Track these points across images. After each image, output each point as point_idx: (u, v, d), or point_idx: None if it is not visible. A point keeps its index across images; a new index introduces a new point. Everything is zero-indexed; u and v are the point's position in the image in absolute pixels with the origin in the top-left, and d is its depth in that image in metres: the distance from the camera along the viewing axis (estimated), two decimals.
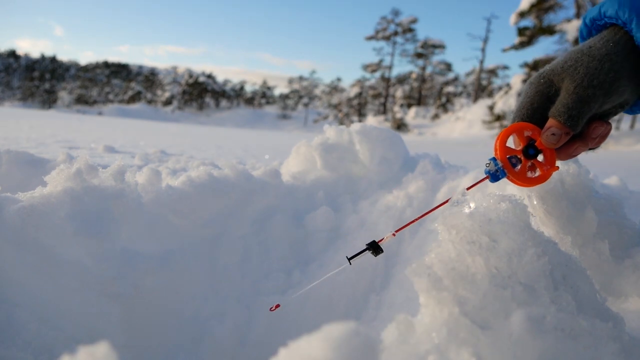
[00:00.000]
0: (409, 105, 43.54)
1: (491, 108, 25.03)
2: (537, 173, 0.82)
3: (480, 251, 0.59)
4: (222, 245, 1.52)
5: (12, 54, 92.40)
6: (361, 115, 48.41)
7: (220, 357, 1.30)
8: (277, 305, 0.85)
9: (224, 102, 75.68)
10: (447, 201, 0.76)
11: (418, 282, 0.55)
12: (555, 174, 0.87)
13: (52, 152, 3.99)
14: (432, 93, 48.19)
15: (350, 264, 0.81)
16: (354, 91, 49.58)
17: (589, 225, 0.82)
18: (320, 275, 1.58)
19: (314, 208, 1.85)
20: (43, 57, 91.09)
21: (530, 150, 0.80)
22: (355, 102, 49.29)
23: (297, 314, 1.45)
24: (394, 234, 0.80)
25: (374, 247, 0.78)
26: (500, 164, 0.79)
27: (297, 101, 72.79)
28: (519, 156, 0.81)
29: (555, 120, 0.76)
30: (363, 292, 1.56)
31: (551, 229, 0.84)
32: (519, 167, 0.80)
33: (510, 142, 0.84)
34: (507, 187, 1.00)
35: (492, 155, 0.82)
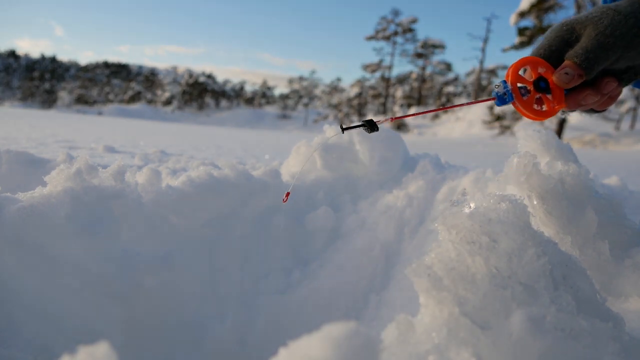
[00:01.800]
0: (409, 105, 43.48)
1: (491, 108, 25.05)
2: (544, 108, 0.82)
3: (480, 251, 0.58)
4: (222, 245, 1.52)
5: (12, 54, 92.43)
6: (361, 115, 48.34)
7: (220, 357, 1.30)
8: (288, 194, 0.88)
9: (224, 102, 75.66)
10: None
11: (418, 282, 0.55)
12: (555, 174, 0.87)
13: (52, 152, 3.99)
14: (432, 93, 48.14)
15: (343, 132, 0.83)
16: (354, 91, 49.56)
17: (589, 225, 0.82)
18: (320, 275, 1.58)
19: (314, 208, 1.85)
20: (43, 57, 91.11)
21: (541, 83, 0.81)
22: (355, 102, 49.27)
23: (297, 314, 1.45)
24: (392, 119, 0.83)
25: (370, 125, 0.80)
26: (509, 87, 0.79)
27: (297, 101, 72.70)
28: (529, 87, 0.81)
29: (571, 61, 0.78)
30: (363, 292, 1.56)
31: (551, 229, 0.83)
32: (527, 97, 0.81)
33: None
34: (507, 186, 0.99)
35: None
